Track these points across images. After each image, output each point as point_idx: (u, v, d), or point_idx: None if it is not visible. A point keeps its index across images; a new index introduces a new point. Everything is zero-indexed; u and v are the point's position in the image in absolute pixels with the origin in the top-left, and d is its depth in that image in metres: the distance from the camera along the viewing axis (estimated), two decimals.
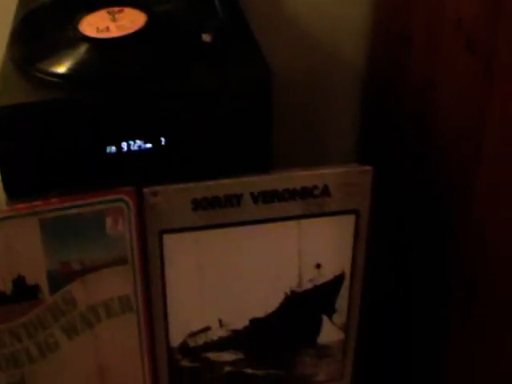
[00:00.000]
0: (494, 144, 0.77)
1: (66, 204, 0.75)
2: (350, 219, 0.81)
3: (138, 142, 0.75)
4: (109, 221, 0.76)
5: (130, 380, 0.85)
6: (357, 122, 1.09)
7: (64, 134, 0.74)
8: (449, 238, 0.88)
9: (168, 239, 0.78)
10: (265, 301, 0.83)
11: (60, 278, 0.77)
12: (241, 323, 0.84)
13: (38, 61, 0.78)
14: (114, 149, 0.75)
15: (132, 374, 0.85)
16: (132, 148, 0.76)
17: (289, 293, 0.83)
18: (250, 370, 0.87)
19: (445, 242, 0.89)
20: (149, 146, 0.76)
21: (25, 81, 0.77)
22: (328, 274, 0.83)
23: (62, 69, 0.77)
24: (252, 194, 0.77)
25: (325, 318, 0.86)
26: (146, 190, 0.75)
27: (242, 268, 0.81)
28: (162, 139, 0.76)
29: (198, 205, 0.76)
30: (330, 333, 0.87)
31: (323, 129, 1.09)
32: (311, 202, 0.79)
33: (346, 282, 0.84)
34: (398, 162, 0.99)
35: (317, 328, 0.87)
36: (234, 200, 0.77)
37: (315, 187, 0.78)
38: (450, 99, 0.84)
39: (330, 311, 0.86)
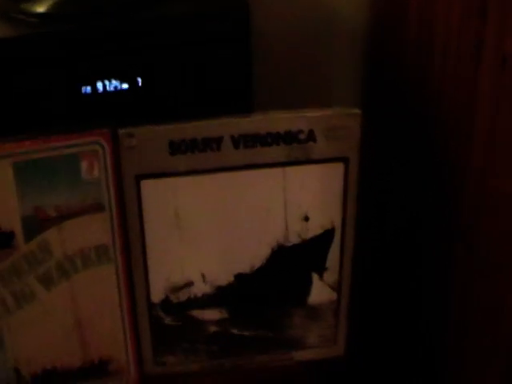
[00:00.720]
0: (488, 84, 0.72)
1: (40, 146, 0.72)
2: (338, 167, 0.77)
3: (114, 82, 0.73)
4: (84, 165, 0.73)
5: (110, 337, 0.82)
6: (357, 74, 1.04)
7: (40, 72, 0.72)
8: (447, 184, 0.83)
9: (145, 185, 0.74)
10: (250, 255, 0.79)
11: (35, 225, 0.75)
12: (225, 279, 0.80)
13: (19, 2, 0.76)
14: (89, 89, 0.73)
15: (112, 331, 0.81)
16: (108, 89, 0.73)
17: (275, 247, 0.79)
18: (236, 331, 0.84)
19: (444, 192, 0.85)
20: (125, 86, 0.73)
21: (5, 21, 0.75)
22: (317, 227, 0.79)
23: (40, 8, 0.75)
24: (232, 137, 0.73)
25: (315, 276, 0.82)
26: (121, 131, 0.72)
27: (224, 218, 0.77)
28: (139, 79, 0.73)
29: (176, 148, 0.73)
30: (320, 292, 0.83)
31: (322, 79, 1.05)
32: (296, 148, 0.75)
33: (337, 237, 0.80)
34: (395, 110, 0.95)
35: (306, 286, 0.83)
36: (213, 143, 0.73)
37: (300, 131, 0.74)
38: (446, 42, 0.79)
39: (321, 268, 0.82)
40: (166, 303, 0.81)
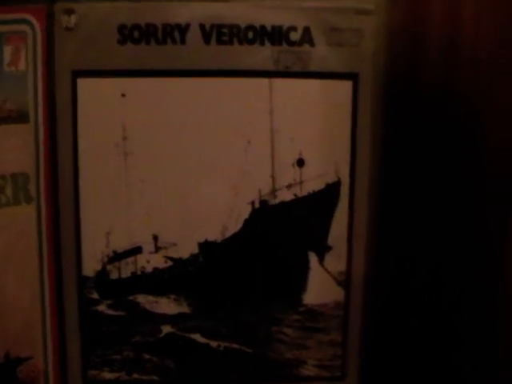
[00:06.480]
0: None
1: None
2: (343, 87, 0.57)
3: None
4: (8, 51, 0.56)
5: (22, 322, 0.58)
6: None
7: None
8: None
9: (84, 85, 0.56)
10: (222, 212, 0.57)
11: None
12: (186, 248, 0.58)
13: None
14: None
15: (26, 311, 0.58)
16: None
17: (257, 203, 0.58)
18: (200, 337, 0.59)
19: None
20: None
21: None
22: (314, 177, 0.58)
23: None
24: (202, 26, 0.56)
25: (313, 258, 0.59)
26: (58, 4, 0.56)
27: (187, 151, 0.57)
28: None
29: (128, 35, 0.56)
30: (320, 286, 0.59)
31: None
32: (287, 52, 0.56)
33: (344, 197, 0.58)
34: None
35: (301, 274, 0.59)
36: (176, 32, 0.56)
37: (292, 28, 0.56)
38: None
39: (321, 246, 0.59)
40: (101, 278, 0.58)
